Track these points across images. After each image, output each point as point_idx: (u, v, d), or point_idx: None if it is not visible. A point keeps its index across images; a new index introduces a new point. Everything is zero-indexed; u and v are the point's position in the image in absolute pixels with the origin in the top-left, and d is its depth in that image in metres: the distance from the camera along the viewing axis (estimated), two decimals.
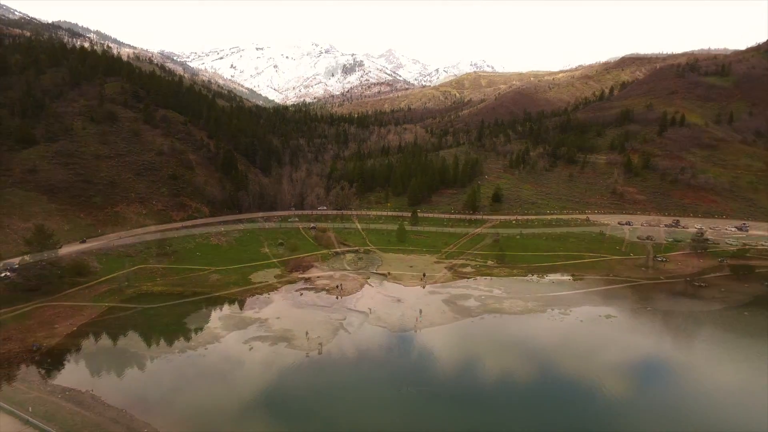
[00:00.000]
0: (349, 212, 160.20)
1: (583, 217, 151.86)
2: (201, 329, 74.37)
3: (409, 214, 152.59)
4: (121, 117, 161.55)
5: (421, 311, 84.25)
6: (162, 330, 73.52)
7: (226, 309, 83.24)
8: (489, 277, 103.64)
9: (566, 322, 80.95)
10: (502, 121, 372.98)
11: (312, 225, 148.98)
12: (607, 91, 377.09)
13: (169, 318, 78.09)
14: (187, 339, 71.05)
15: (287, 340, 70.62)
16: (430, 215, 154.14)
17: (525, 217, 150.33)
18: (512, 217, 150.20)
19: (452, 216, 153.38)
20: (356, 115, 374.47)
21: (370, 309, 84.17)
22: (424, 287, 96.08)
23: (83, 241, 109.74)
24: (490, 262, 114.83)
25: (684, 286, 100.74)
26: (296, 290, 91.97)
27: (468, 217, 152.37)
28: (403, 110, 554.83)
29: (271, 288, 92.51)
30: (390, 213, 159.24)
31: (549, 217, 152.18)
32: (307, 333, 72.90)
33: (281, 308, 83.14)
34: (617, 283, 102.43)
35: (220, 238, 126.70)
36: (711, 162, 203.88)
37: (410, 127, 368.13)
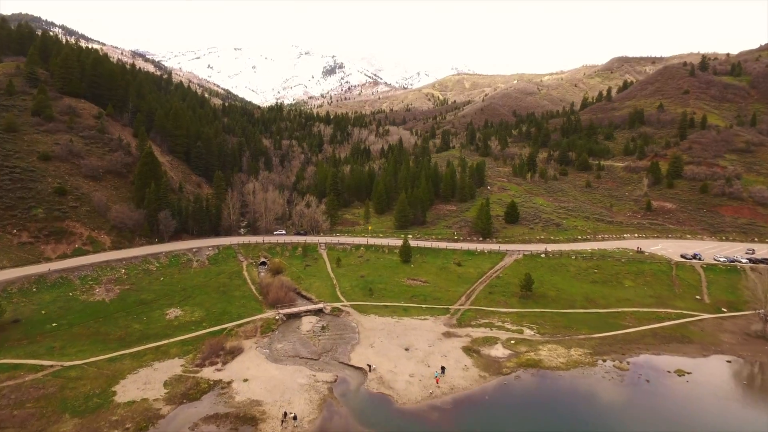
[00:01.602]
0: (315, 239, 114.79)
1: (632, 247, 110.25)
2: None
3: (397, 241, 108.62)
4: None
5: None
6: None
7: None
8: (537, 369, 60.16)
9: None
10: (492, 123, 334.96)
11: (262, 259, 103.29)
12: (604, 92, 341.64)
13: None
14: None
15: None
16: (426, 244, 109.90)
17: (557, 248, 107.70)
18: (539, 247, 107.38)
19: (456, 245, 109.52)
20: (333, 116, 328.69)
21: None
22: (436, 401, 51.78)
23: None
24: (529, 332, 71.45)
25: None
26: (192, 426, 46.39)
27: (479, 246, 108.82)
28: (385, 112, 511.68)
29: (144, 419, 46.61)
30: (371, 239, 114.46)
31: (587, 246, 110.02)
32: None
33: None
34: (747, 375, 60.16)
35: (110, 289, 79.82)
36: (753, 171, 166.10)
37: (393, 129, 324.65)
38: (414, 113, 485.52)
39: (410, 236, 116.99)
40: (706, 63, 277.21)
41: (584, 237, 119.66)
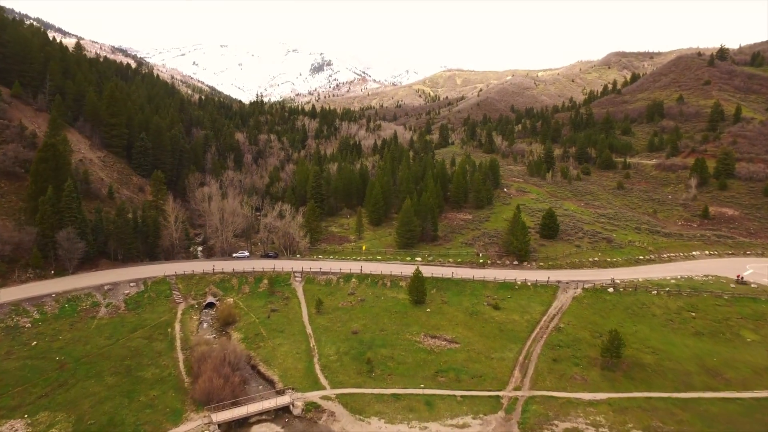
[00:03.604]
0: (289, 264, 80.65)
1: (729, 275, 78.72)
2: None
3: (402, 268, 75.93)
4: None
5: None
6: None
7: None
8: None
9: None
10: (490, 118, 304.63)
11: (209, 299, 69.32)
12: (609, 86, 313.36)
13: None
14: None
15: None
16: (443, 272, 76.56)
17: (622, 274, 75.84)
18: (599, 276, 75.43)
19: (485, 273, 76.45)
20: (319, 109, 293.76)
21: None
22: None
23: None
24: None
25: None
26: None
27: (517, 274, 75.92)
28: (375, 108, 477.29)
29: None
30: (365, 264, 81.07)
31: (661, 272, 78.45)
32: None
33: None
34: None
35: None
36: None
37: (385, 124, 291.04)
38: (405, 109, 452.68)
39: (419, 258, 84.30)
40: (724, 53, 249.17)
41: (647, 257, 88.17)
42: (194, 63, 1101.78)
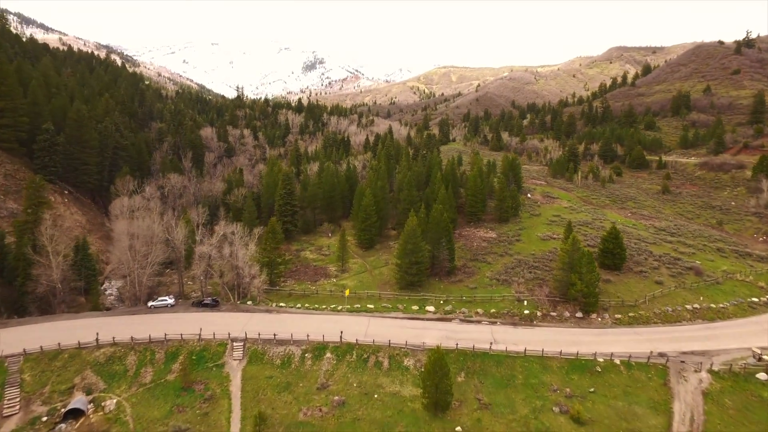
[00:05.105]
0: (231, 320, 50.16)
1: None
2: None
3: (405, 330, 46.27)
4: None
5: None
6: None
7: None
8: None
9: None
10: (491, 113, 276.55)
11: (77, 399, 38.75)
12: (620, 79, 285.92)
13: None
14: None
15: None
16: (473, 333, 46.64)
17: (752, 333, 46.50)
18: (723, 341, 45.89)
19: (539, 334, 46.62)
20: (305, 104, 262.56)
21: None
22: None
23: None
24: None
25: None
26: None
27: (587, 334, 46.22)
28: (368, 105, 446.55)
29: None
30: (349, 322, 51.03)
31: None
32: None
33: None
34: None
35: None
36: None
37: (379, 120, 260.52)
38: (399, 106, 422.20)
39: (431, 308, 54.32)
40: (751, 41, 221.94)
41: (763, 299, 59.08)
42: (184, 61, 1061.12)
